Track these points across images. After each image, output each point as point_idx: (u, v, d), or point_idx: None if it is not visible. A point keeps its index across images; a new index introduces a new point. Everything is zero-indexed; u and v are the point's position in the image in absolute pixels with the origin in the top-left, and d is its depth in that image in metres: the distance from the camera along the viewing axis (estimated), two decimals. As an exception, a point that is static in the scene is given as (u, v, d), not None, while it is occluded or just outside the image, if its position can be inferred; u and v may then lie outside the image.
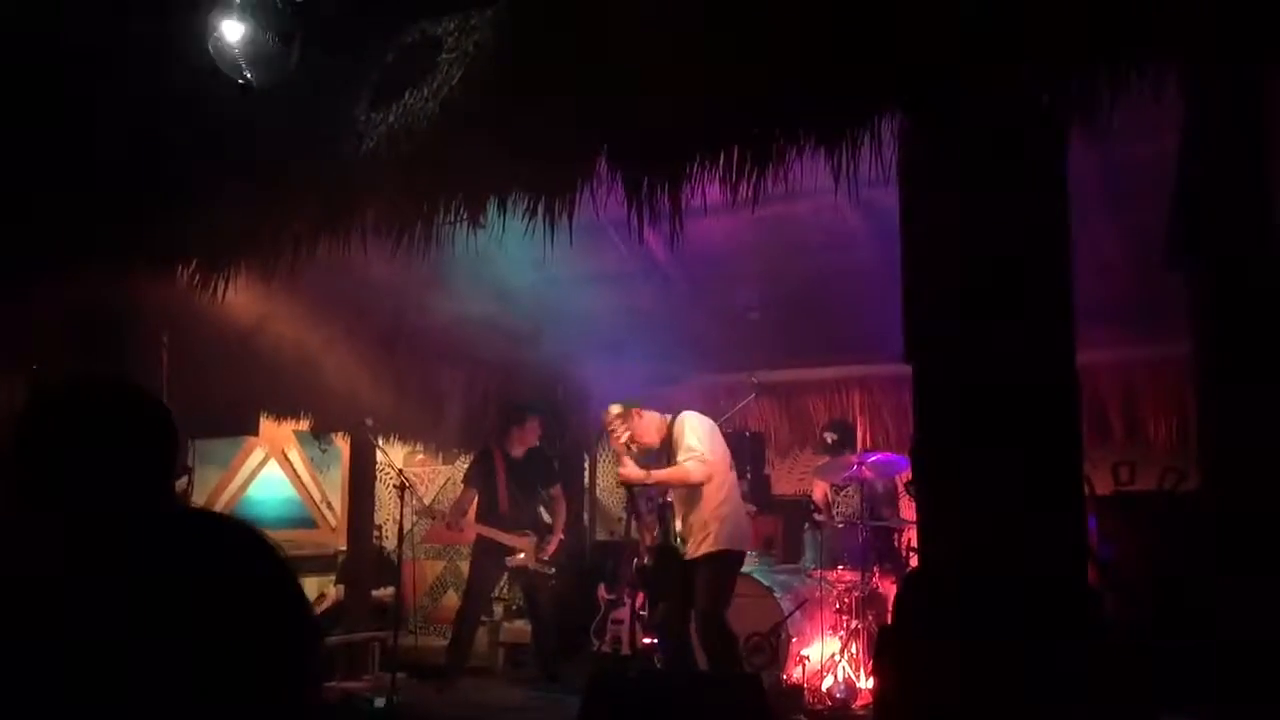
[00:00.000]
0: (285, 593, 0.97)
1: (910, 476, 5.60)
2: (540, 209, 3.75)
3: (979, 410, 3.10)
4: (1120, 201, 5.87)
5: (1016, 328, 3.10)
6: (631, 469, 5.77)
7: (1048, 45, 2.80)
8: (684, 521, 5.68)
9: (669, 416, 5.89)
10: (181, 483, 6.31)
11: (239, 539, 0.98)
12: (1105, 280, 6.04)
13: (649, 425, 5.87)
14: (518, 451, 7.23)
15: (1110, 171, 5.70)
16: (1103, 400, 7.29)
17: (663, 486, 5.83)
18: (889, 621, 5.52)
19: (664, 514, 5.96)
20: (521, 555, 7.07)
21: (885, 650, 3.27)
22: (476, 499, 7.31)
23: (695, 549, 5.56)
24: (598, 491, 9.21)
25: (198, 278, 4.80)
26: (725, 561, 5.57)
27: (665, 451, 5.81)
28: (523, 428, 7.26)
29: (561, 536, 7.34)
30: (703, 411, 6.83)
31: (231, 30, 3.97)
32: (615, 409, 5.89)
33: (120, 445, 1.34)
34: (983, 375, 3.11)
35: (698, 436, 5.69)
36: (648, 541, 6.80)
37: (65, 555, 0.98)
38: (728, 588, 5.58)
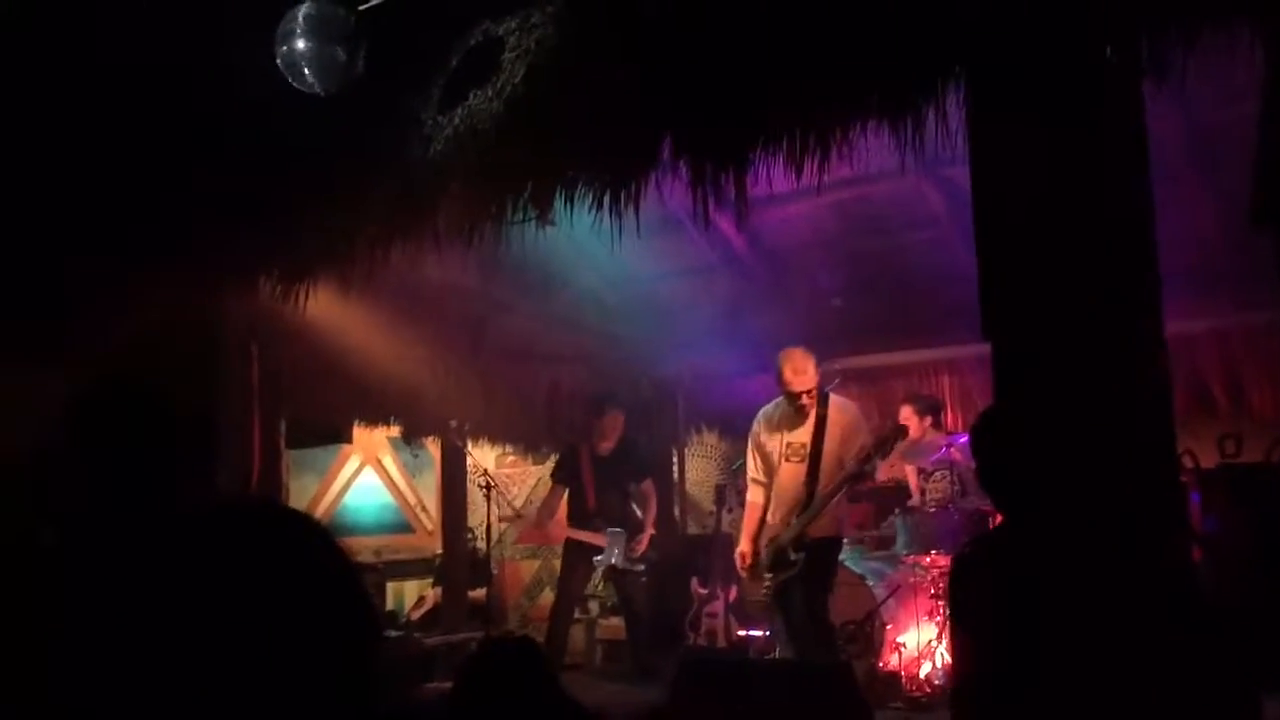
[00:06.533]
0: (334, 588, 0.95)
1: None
2: (607, 201, 3.74)
3: (1061, 386, 3.02)
4: (1214, 167, 5.69)
5: (1098, 298, 3.00)
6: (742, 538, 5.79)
7: (1114, 4, 2.71)
8: None
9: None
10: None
11: (286, 528, 0.97)
12: (1200, 248, 5.85)
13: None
14: (604, 447, 7.18)
15: (1202, 136, 5.53)
16: (1203, 371, 7.06)
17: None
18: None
19: None
20: (610, 556, 7.03)
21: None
22: (566, 497, 7.33)
23: None
24: (687, 485, 9.19)
25: (280, 289, 4.89)
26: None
27: None
28: (602, 420, 7.17)
29: (652, 532, 7.26)
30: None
31: (299, 43, 4.05)
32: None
33: (144, 448, 1.36)
34: (1064, 349, 3.03)
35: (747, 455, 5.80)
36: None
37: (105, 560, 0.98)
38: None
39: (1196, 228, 5.90)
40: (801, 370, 5.45)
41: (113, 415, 1.39)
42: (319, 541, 0.93)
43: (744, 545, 5.73)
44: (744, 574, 5.78)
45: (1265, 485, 5.66)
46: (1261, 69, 3.20)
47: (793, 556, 5.39)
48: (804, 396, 5.46)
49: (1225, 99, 4.59)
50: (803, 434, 5.56)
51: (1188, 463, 6.57)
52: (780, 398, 5.74)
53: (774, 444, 5.65)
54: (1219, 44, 2.66)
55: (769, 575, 5.49)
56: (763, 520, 5.70)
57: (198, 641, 0.82)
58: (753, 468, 5.80)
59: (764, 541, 5.62)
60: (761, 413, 5.81)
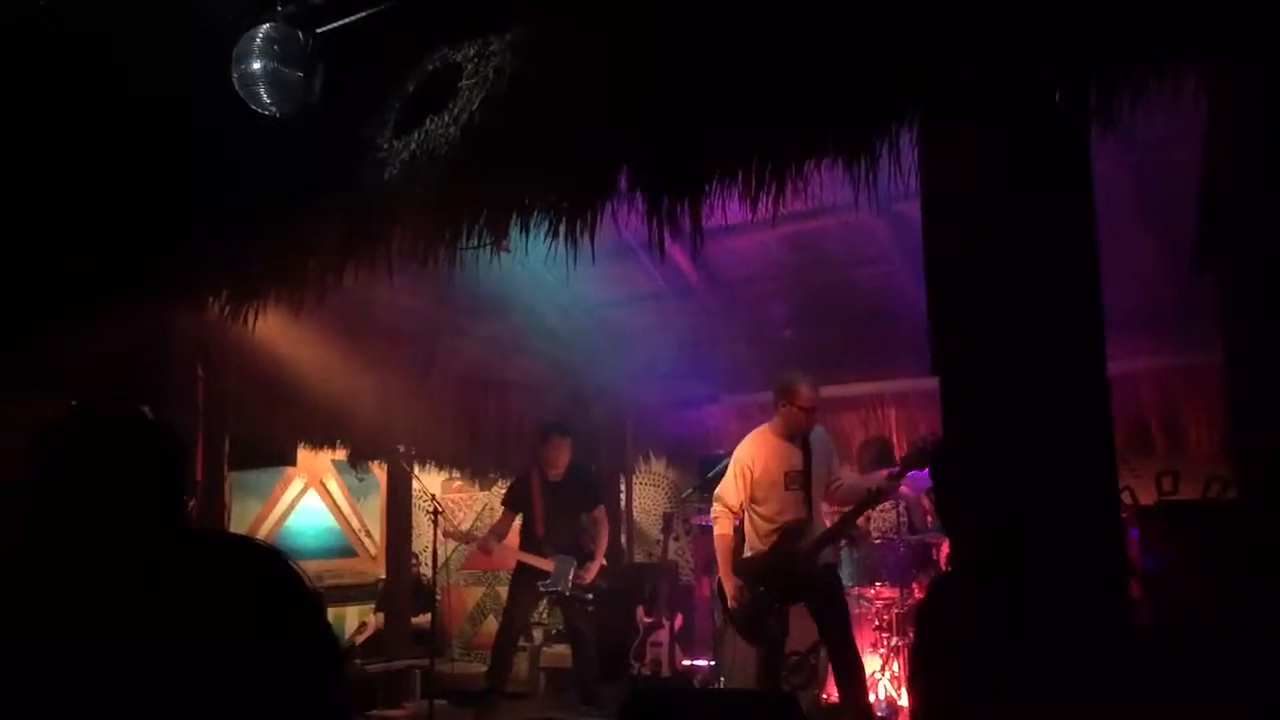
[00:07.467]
0: (300, 607, 0.95)
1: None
2: (562, 230, 3.75)
3: (1008, 422, 3.06)
4: (1157, 208, 5.81)
5: (1043, 335, 3.06)
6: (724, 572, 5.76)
7: (1063, 46, 2.78)
8: None
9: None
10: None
11: (259, 559, 0.97)
12: (1142, 288, 5.97)
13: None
14: (554, 474, 7.13)
15: (1147, 178, 5.65)
16: (1143, 409, 7.19)
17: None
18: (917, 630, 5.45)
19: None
20: (557, 582, 6.97)
21: (919, 661, 3.23)
22: (519, 523, 7.26)
23: None
24: (635, 513, 9.19)
25: (229, 310, 4.84)
26: None
27: None
28: (547, 446, 7.08)
29: (603, 562, 7.19)
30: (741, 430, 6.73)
31: (255, 63, 4.03)
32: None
33: (127, 470, 1.35)
34: (1009, 385, 3.07)
35: (721, 483, 5.82)
36: None
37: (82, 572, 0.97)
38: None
39: (1140, 268, 6.02)
40: (815, 388, 5.64)
41: (100, 440, 1.37)
42: (287, 574, 0.92)
43: (730, 583, 5.63)
44: (742, 609, 5.62)
45: (1202, 522, 5.76)
46: (1205, 114, 3.29)
47: (812, 579, 5.50)
48: (815, 413, 5.66)
49: (1170, 142, 4.70)
50: (797, 462, 5.66)
51: (1127, 499, 6.68)
52: (759, 430, 5.77)
53: (777, 473, 5.66)
54: (1165, 89, 2.74)
55: (778, 605, 5.51)
56: (739, 550, 5.69)
57: (172, 667, 0.82)
58: (732, 493, 5.72)
59: (759, 568, 5.58)
60: (750, 445, 5.80)
